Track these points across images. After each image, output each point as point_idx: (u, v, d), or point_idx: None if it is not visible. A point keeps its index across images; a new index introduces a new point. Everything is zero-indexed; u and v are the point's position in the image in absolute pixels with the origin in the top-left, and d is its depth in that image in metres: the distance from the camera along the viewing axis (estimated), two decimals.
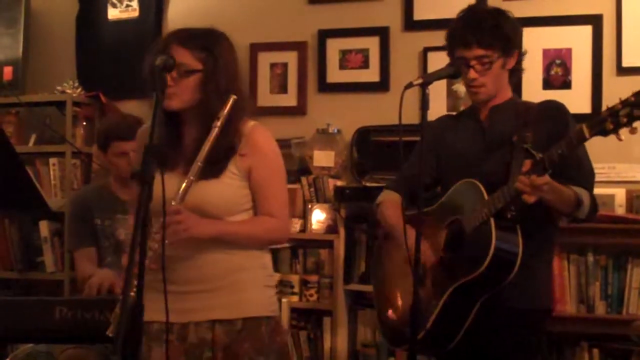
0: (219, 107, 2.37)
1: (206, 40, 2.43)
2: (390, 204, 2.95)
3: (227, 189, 2.43)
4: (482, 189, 2.63)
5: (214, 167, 2.39)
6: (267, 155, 2.49)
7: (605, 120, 2.31)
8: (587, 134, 2.36)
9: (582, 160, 2.67)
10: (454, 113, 3.10)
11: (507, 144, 2.70)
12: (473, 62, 2.71)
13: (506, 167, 2.64)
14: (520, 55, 2.81)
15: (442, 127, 2.93)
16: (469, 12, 2.81)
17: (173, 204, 2.27)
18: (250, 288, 2.48)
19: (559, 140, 2.49)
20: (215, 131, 2.32)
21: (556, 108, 2.77)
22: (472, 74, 2.72)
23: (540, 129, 2.68)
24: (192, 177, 2.30)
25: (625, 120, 2.28)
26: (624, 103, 2.29)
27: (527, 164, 2.48)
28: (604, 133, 2.33)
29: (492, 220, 2.58)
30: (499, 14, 2.77)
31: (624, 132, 2.31)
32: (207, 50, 2.41)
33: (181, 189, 2.29)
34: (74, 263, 3.60)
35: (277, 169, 2.53)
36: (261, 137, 2.48)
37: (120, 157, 3.37)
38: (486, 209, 2.59)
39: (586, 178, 2.68)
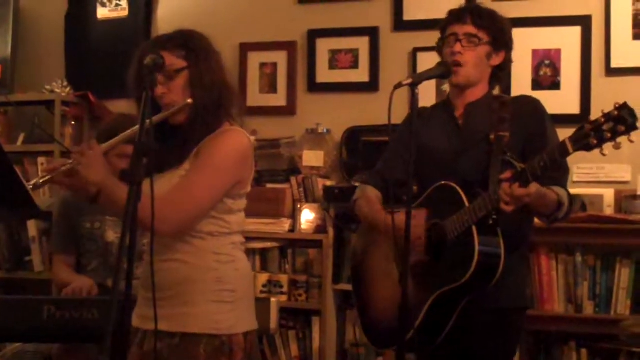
0: (209, 101, 2.36)
1: (182, 38, 2.42)
2: (366, 201, 2.92)
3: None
4: (462, 194, 2.63)
5: (174, 153, 2.37)
6: (213, 154, 2.35)
7: (588, 135, 2.27)
8: (570, 149, 2.33)
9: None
10: (427, 106, 3.02)
11: (483, 142, 2.70)
12: (462, 38, 2.73)
13: (483, 167, 2.65)
14: (506, 58, 2.81)
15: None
16: (470, 2, 2.83)
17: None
18: (195, 302, 2.35)
19: (536, 141, 2.52)
20: (147, 123, 2.00)
21: (532, 107, 2.77)
22: (458, 46, 2.72)
23: (516, 128, 2.69)
24: (118, 139, 2.35)
25: (609, 135, 2.24)
26: (607, 117, 2.24)
27: (508, 173, 2.46)
28: (588, 148, 2.29)
29: (474, 229, 2.58)
30: (497, 13, 2.83)
31: (607, 146, 2.27)
32: (186, 47, 2.39)
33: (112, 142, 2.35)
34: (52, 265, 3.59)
35: (212, 170, 2.34)
36: (222, 139, 2.37)
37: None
38: (467, 216, 2.58)
39: (562, 174, 2.66)
